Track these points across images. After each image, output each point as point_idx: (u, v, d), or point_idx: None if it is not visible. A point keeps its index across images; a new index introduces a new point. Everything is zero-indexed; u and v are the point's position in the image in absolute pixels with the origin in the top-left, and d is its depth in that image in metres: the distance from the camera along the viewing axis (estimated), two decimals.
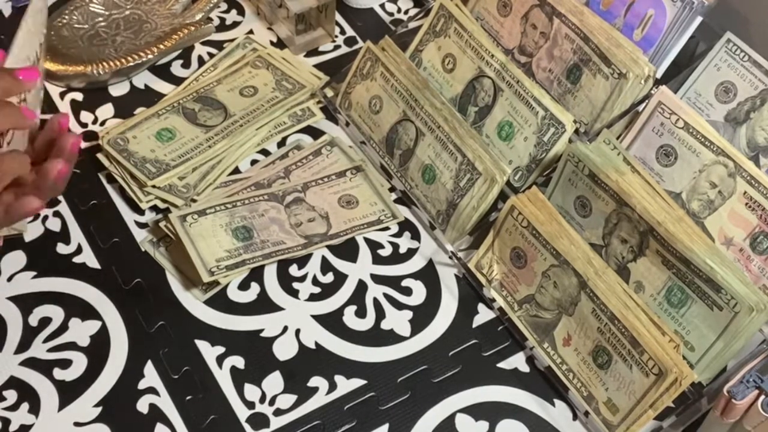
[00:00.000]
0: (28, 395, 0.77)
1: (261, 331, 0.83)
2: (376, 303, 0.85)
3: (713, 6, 0.87)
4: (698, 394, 0.76)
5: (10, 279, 0.84)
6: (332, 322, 0.84)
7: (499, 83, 0.90)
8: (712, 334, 0.76)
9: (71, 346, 0.80)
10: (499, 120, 0.91)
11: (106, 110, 0.99)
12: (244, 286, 0.85)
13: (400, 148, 0.93)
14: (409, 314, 0.85)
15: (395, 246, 0.90)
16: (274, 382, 0.79)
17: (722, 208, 0.81)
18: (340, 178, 0.94)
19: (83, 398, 0.77)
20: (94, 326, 0.81)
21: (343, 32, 1.10)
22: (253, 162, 0.95)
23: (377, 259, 0.89)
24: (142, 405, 0.77)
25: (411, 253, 0.90)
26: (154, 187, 0.89)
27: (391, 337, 0.83)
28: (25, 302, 0.82)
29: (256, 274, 0.86)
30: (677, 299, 0.78)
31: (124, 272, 0.85)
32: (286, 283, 0.86)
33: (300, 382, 0.80)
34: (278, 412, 0.78)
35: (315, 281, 0.86)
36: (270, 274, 0.86)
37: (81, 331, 0.81)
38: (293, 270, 0.87)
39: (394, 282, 0.87)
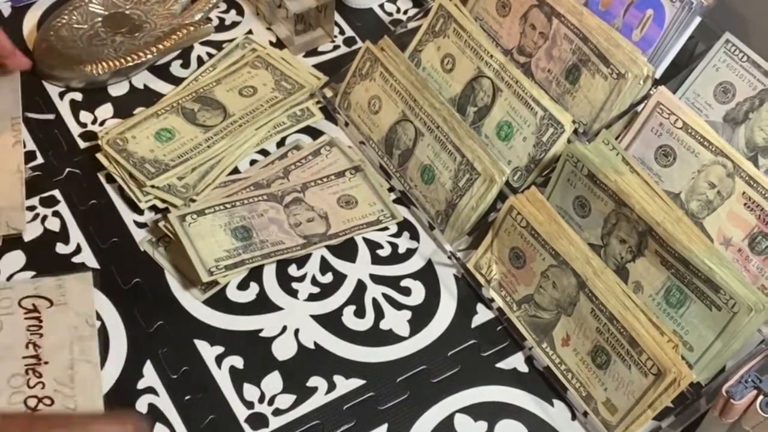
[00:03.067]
0: None
1: (260, 331, 0.83)
2: (375, 303, 0.85)
3: (712, 6, 0.87)
4: (697, 394, 0.76)
5: (9, 278, 0.83)
6: (331, 322, 0.84)
7: (498, 83, 0.91)
8: (710, 334, 0.76)
9: None
10: (498, 120, 0.91)
11: (105, 110, 0.99)
12: (243, 286, 0.85)
13: (399, 148, 0.93)
14: (408, 314, 0.85)
15: (394, 246, 0.90)
16: (273, 382, 0.79)
17: (721, 209, 0.81)
18: (339, 179, 0.94)
19: None
20: None
21: (342, 32, 1.10)
22: (253, 162, 0.95)
23: (376, 259, 0.89)
24: (141, 405, 0.77)
25: (410, 253, 0.90)
26: (153, 187, 0.89)
27: (390, 337, 0.83)
28: None
29: (255, 274, 0.86)
30: (676, 299, 0.78)
31: (123, 272, 0.85)
32: (285, 283, 0.86)
33: (299, 382, 0.80)
34: (277, 412, 0.78)
35: (314, 281, 0.86)
36: (269, 274, 0.86)
37: None
38: (292, 270, 0.87)
39: (393, 282, 0.87)
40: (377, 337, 0.83)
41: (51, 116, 0.97)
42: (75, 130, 0.96)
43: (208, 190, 0.91)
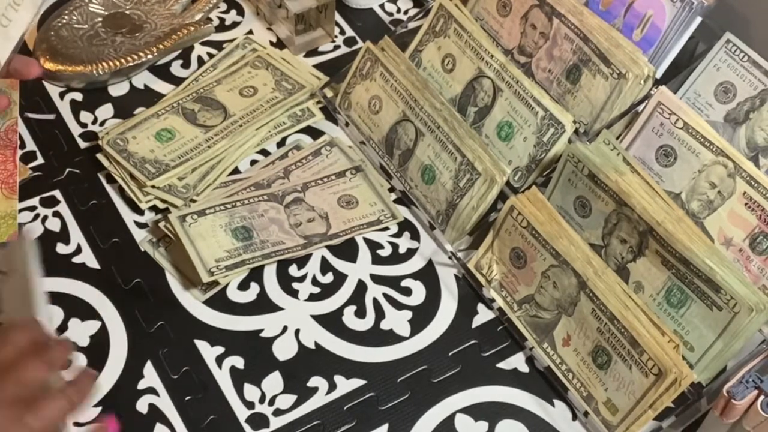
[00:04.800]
0: None
1: (261, 331, 0.83)
2: (376, 303, 0.85)
3: (713, 6, 0.87)
4: (698, 395, 0.76)
5: None
6: (332, 322, 0.84)
7: (498, 83, 0.90)
8: (711, 334, 0.76)
9: None
10: (498, 120, 0.91)
11: (105, 110, 0.99)
12: (243, 286, 0.85)
13: (400, 148, 0.93)
14: (408, 314, 0.85)
15: (395, 246, 0.90)
16: (273, 382, 0.79)
17: (722, 209, 0.81)
18: (340, 179, 0.94)
19: None
20: (93, 326, 0.81)
21: (342, 32, 1.10)
22: (253, 162, 0.95)
23: (377, 260, 0.89)
24: (142, 405, 0.77)
25: (410, 253, 0.90)
26: (153, 187, 0.89)
27: (391, 337, 0.83)
28: None
29: (256, 275, 0.86)
30: (677, 299, 0.78)
31: (123, 272, 0.85)
32: (286, 283, 0.86)
33: (300, 382, 0.80)
34: (278, 412, 0.78)
35: (314, 281, 0.86)
36: (269, 275, 0.86)
37: (81, 331, 0.81)
38: (293, 270, 0.87)
39: (393, 282, 0.87)
40: (378, 337, 0.83)
41: (51, 116, 0.97)
42: (75, 130, 0.96)
43: (209, 190, 0.91)
